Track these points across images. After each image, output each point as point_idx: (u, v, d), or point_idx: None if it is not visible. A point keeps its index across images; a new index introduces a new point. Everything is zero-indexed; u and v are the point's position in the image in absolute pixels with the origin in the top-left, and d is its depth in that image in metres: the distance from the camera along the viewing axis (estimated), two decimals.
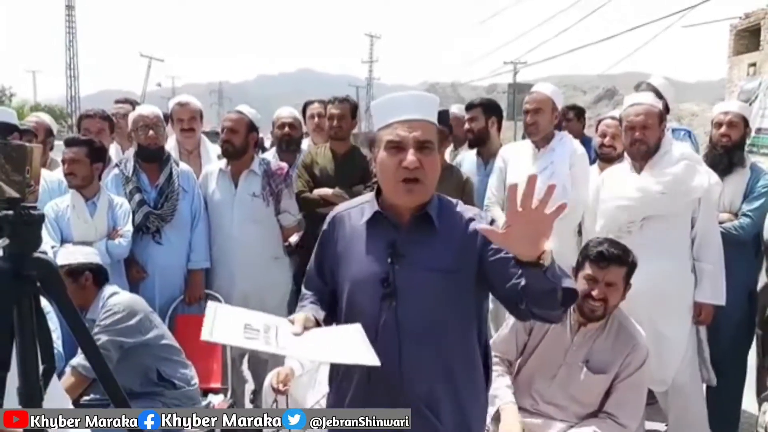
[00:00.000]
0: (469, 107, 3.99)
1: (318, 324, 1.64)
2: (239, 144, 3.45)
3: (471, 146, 4.00)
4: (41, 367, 1.45)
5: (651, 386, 2.85)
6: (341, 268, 1.72)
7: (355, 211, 1.75)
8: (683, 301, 2.84)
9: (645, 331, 2.75)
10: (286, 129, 4.00)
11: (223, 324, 1.46)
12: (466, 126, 3.94)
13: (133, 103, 4.59)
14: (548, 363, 2.47)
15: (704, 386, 3.08)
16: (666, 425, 3.10)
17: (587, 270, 2.42)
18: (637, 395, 2.43)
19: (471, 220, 1.67)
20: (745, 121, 3.35)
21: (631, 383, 2.40)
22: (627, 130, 2.89)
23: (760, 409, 3.16)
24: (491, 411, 2.35)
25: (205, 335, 1.39)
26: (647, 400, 3.35)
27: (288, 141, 4.00)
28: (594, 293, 2.37)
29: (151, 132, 3.36)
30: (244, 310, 1.64)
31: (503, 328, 2.62)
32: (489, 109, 3.90)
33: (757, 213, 3.08)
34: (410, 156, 1.58)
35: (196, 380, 2.88)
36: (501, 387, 2.45)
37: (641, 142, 2.83)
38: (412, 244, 1.63)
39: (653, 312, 2.76)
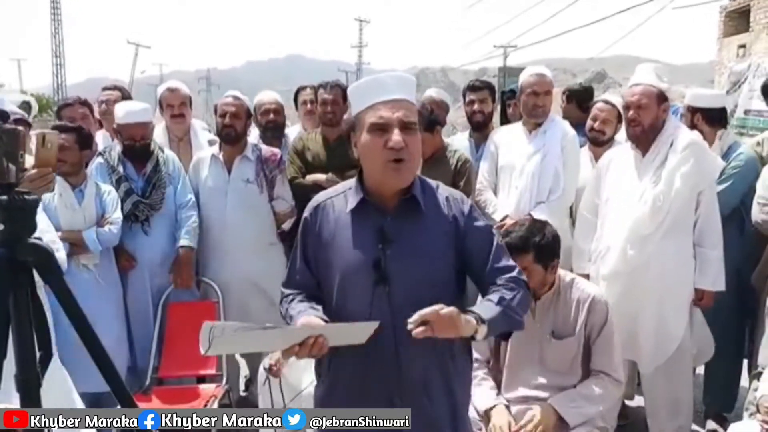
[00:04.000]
0: (475, 89, 3.81)
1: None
2: (241, 129, 3.44)
3: (476, 129, 3.86)
4: (38, 354, 1.45)
5: (647, 360, 2.88)
6: (329, 257, 1.69)
7: (339, 198, 1.74)
8: (686, 283, 2.84)
9: (649, 306, 2.80)
10: (271, 115, 3.97)
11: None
12: (476, 107, 3.78)
13: (122, 90, 4.53)
14: (524, 349, 2.46)
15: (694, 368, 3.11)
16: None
17: None
18: (614, 348, 2.46)
19: (451, 200, 1.71)
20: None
21: (604, 339, 2.43)
22: (624, 110, 2.87)
23: (750, 386, 3.21)
24: (480, 406, 2.39)
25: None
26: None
27: (273, 127, 3.97)
28: None
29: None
30: (244, 330, 1.43)
31: None
32: (494, 91, 3.81)
33: (723, 195, 3.02)
34: (395, 136, 1.57)
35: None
36: (485, 391, 2.46)
37: (635, 122, 2.78)
38: (402, 229, 1.63)
39: (660, 290, 2.79)
